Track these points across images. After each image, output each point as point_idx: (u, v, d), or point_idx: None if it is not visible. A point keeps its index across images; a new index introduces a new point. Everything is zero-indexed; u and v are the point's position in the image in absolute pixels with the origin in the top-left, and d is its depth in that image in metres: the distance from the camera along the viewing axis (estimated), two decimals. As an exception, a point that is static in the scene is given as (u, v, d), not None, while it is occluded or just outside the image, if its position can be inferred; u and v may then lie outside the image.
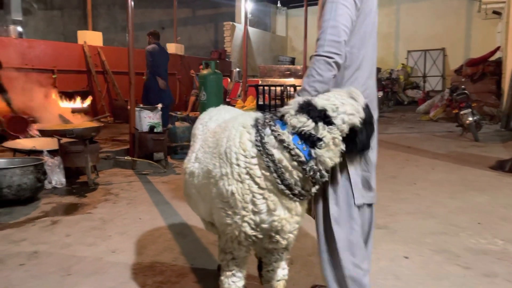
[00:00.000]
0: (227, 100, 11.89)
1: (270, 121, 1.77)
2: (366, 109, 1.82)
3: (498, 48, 12.78)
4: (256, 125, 1.79)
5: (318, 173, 1.72)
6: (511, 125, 9.46)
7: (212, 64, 7.54)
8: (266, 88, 9.67)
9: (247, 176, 1.73)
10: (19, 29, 9.85)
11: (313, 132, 1.69)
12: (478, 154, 6.95)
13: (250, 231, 1.77)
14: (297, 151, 1.68)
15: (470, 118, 8.44)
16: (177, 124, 7.04)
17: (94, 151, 5.27)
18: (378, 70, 15.88)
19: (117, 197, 4.62)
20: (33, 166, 4.33)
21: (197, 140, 2.16)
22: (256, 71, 16.14)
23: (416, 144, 7.77)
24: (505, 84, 10.39)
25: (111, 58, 10.03)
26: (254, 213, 1.75)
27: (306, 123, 1.69)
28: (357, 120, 1.74)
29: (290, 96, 9.85)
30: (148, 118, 6.62)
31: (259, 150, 1.72)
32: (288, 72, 14.95)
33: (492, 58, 12.67)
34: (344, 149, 1.75)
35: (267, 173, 1.71)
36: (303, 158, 1.69)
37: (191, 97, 11.28)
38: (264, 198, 1.73)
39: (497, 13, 14.80)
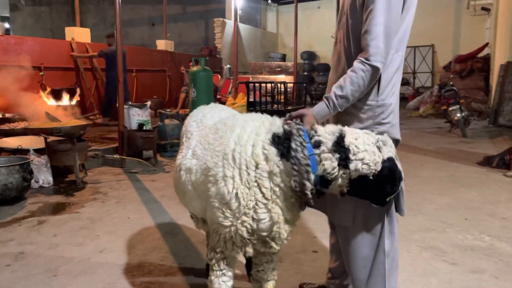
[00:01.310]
0: (218, 97, 11.85)
1: (308, 166, 1.67)
2: (390, 161, 1.70)
3: (486, 45, 12.89)
4: (282, 153, 1.70)
5: (321, 195, 1.80)
6: (499, 121, 9.56)
7: (202, 60, 7.51)
8: (256, 85, 9.65)
9: (255, 184, 1.71)
10: (6, 25, 9.71)
11: (332, 177, 1.70)
12: (466, 150, 7.01)
13: (246, 235, 1.77)
14: (314, 193, 1.71)
15: (459, 114, 8.51)
16: (167, 121, 6.99)
17: (82, 149, 5.21)
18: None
19: (106, 196, 4.58)
20: (19, 165, 4.27)
21: (192, 136, 2.11)
22: (247, 67, 16.12)
23: (405, 141, 7.76)
24: (493, 80, 10.49)
25: (100, 55, 9.90)
26: (254, 220, 1.74)
27: (334, 171, 1.68)
28: (370, 172, 1.68)
29: (280, 93, 9.84)
30: (137, 116, 6.57)
31: (296, 192, 1.69)
32: (279, 69, 14.95)
33: (481, 55, 12.78)
34: (345, 190, 1.75)
35: (277, 189, 1.71)
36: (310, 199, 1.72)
37: (181, 94, 11.21)
38: (266, 208, 1.73)
39: (485, 9, 14.92)
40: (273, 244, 1.83)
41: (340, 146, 1.68)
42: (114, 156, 5.97)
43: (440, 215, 3.87)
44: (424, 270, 2.80)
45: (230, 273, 1.94)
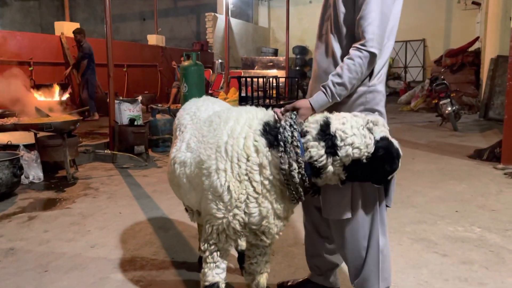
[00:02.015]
0: (210, 92, 11.81)
1: (297, 146, 1.68)
2: (384, 141, 1.69)
3: (477, 39, 12.97)
4: (269, 138, 1.72)
5: (316, 194, 1.88)
6: (489, 115, 9.64)
7: (193, 55, 7.48)
8: (248, 79, 9.63)
9: (246, 177, 1.72)
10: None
11: (321, 165, 1.69)
12: (457, 144, 7.06)
13: (239, 228, 1.78)
14: (307, 183, 1.73)
15: (449, 108, 8.57)
16: (158, 116, 6.95)
17: (73, 144, 5.17)
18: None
19: (97, 192, 4.55)
20: (8, 161, 4.22)
21: (186, 129, 2.10)
22: (239, 62, 16.06)
23: (397, 135, 7.76)
24: (484, 74, 10.57)
25: (89, 50, 9.82)
26: (245, 214, 1.76)
27: (321, 158, 1.67)
28: (362, 155, 1.66)
29: (272, 88, 9.83)
30: (128, 111, 6.53)
31: (284, 174, 1.70)
32: (271, 64, 14.91)
33: (471, 49, 12.86)
34: (343, 178, 1.72)
35: (267, 183, 1.72)
36: (307, 187, 1.76)
37: (172, 89, 11.16)
38: (257, 203, 1.74)
39: (476, 3, 15.01)
40: (263, 237, 1.85)
41: (325, 134, 1.68)
42: (105, 151, 5.93)
43: (431, 207, 3.90)
44: (415, 261, 2.82)
45: (223, 265, 1.94)
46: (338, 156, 1.66)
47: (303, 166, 1.69)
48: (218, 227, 1.82)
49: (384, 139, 1.69)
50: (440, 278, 2.59)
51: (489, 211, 3.78)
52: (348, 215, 1.96)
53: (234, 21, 17.11)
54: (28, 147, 4.96)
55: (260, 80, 9.67)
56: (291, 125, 1.72)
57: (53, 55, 9.62)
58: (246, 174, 1.72)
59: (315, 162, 1.69)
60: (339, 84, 1.80)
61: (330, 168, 1.69)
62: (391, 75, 17.95)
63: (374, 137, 1.67)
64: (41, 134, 5.02)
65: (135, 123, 6.36)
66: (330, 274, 2.33)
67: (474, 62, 12.19)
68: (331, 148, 1.66)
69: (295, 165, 1.68)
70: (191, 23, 17.45)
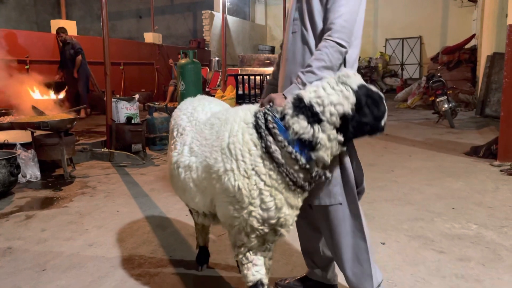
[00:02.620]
0: (207, 89, 11.79)
1: (274, 128, 1.73)
2: (362, 89, 1.74)
3: (473, 36, 13.00)
4: (256, 128, 1.77)
5: (323, 176, 1.79)
6: (486, 112, 9.67)
7: (190, 53, 7.45)
8: (245, 77, 9.61)
9: (253, 172, 1.74)
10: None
11: (311, 138, 1.70)
12: (454, 141, 7.09)
13: (256, 225, 1.79)
14: (303, 160, 1.72)
15: (446, 105, 8.58)
16: (155, 114, 6.94)
17: (70, 143, 5.16)
18: (357, 60, 15.88)
19: (95, 190, 4.54)
20: (5, 160, 4.21)
21: (185, 132, 2.09)
22: (236, 60, 16.03)
23: (394, 132, 7.86)
24: (480, 71, 10.60)
25: (86, 48, 9.76)
26: (262, 209, 1.76)
27: (306, 129, 1.70)
28: (347, 107, 1.69)
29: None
30: (125, 109, 6.52)
31: (268, 156, 1.73)
32: (268, 61, 14.88)
33: (468, 46, 12.88)
34: (341, 139, 1.72)
35: (272, 173, 1.73)
36: (307, 166, 1.73)
37: (169, 87, 11.13)
38: (271, 195, 1.75)
39: (472, 1, 15.03)
40: (282, 231, 1.85)
41: (300, 108, 1.72)
42: (103, 150, 5.92)
43: (428, 204, 3.91)
44: (412, 258, 2.83)
45: (260, 261, 1.93)
46: (324, 120, 1.69)
47: (286, 144, 1.71)
48: (239, 227, 1.83)
49: (361, 87, 1.74)
50: (437, 275, 2.61)
51: (486, 208, 3.80)
52: (339, 199, 2.00)
53: (231, 19, 17.07)
54: (25, 145, 4.95)
55: (257, 77, 9.66)
56: (265, 113, 1.79)
57: (50, 53, 9.58)
58: (253, 169, 1.74)
59: (303, 136, 1.70)
60: (307, 72, 1.86)
61: (322, 135, 1.70)
62: (388, 72, 17.98)
63: (351, 88, 1.72)
64: (38, 132, 5.01)
65: (132, 122, 6.35)
66: (327, 270, 2.34)
67: (471, 59, 12.21)
68: (313, 117, 1.70)
69: (273, 147, 1.72)
70: (188, 20, 17.40)
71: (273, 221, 1.80)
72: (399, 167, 5.38)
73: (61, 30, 9.29)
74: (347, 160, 1.99)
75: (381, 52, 18.27)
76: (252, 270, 1.91)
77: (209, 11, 16.01)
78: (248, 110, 1.87)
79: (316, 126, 1.69)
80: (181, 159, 2.02)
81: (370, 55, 18.05)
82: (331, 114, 1.69)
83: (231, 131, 1.81)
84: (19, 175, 4.55)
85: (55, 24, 10.26)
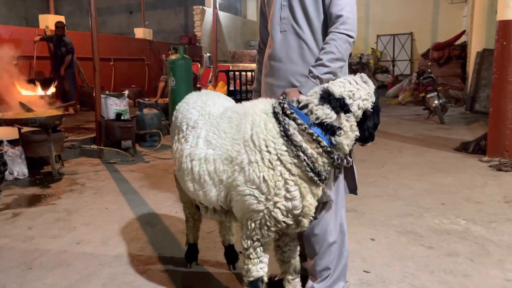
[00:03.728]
0: (198, 85, 11.73)
1: (292, 113, 1.79)
2: (376, 93, 1.85)
3: (463, 32, 13.06)
4: (275, 116, 1.81)
5: (345, 160, 1.82)
6: (475, 108, 9.73)
7: (181, 49, 7.40)
8: (237, 73, 9.58)
9: (278, 163, 1.76)
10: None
11: (334, 123, 1.75)
12: (444, 137, 7.13)
13: (281, 217, 1.79)
14: (325, 142, 1.75)
15: (436, 101, 8.63)
16: (146, 111, 6.89)
17: (58, 140, 5.10)
18: (349, 54, 15.91)
19: (83, 187, 4.50)
20: (-8, 157, 4.15)
21: (198, 125, 2.05)
22: (227, 56, 15.97)
23: (385, 128, 7.89)
24: (470, 67, 10.65)
25: (75, 43, 9.65)
26: (287, 199, 1.77)
27: (329, 115, 1.75)
28: (369, 105, 1.80)
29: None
30: (114, 105, 6.45)
31: (286, 141, 1.75)
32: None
33: (458, 42, 12.94)
34: (359, 134, 1.81)
35: (297, 161, 1.75)
36: (329, 148, 1.76)
37: (160, 83, 11.04)
38: (296, 184, 1.77)
39: (462, -3, 15.09)
40: (305, 221, 1.86)
41: (327, 99, 1.78)
42: (92, 146, 5.87)
43: (417, 200, 3.93)
44: (401, 254, 2.84)
45: (266, 260, 1.95)
46: (351, 111, 1.77)
47: (307, 126, 1.75)
48: (260, 221, 1.82)
49: (376, 90, 1.86)
50: (426, 270, 2.62)
51: (474, 203, 3.83)
52: (333, 196, 2.07)
53: (222, 15, 16.98)
54: (12, 142, 4.88)
55: (249, 74, 9.63)
56: (280, 103, 1.84)
57: (38, 49, 9.44)
58: (278, 159, 1.75)
59: (325, 120, 1.75)
60: (319, 65, 1.92)
61: (346, 123, 1.76)
62: (379, 69, 18.03)
63: (373, 88, 1.84)
64: (25, 129, 4.94)
65: (122, 118, 6.29)
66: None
67: (461, 56, 12.27)
68: (341, 107, 1.76)
69: (291, 130, 1.76)
70: (179, 16, 17.27)
71: (297, 211, 1.81)
72: (390, 163, 5.39)
73: (60, 24, 9.18)
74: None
75: (372, 49, 18.31)
76: (257, 266, 1.93)
77: (201, 7, 15.90)
78: (268, 102, 1.91)
79: (343, 115, 1.76)
80: (195, 151, 1.98)
81: (361, 51, 18.07)
82: (358, 108, 1.77)
83: (253, 122, 1.83)
84: (6, 172, 4.48)
85: (44, 19, 10.11)
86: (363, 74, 1.87)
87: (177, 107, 2.31)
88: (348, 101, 1.76)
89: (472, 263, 2.70)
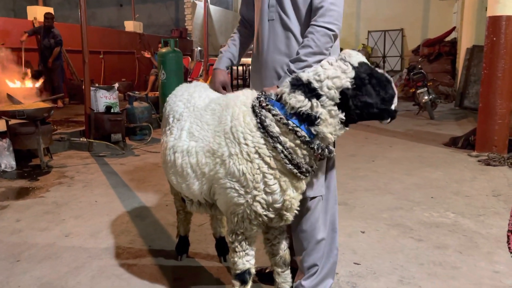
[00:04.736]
0: (189, 79, 11.66)
1: (267, 105, 1.74)
2: (364, 66, 1.71)
3: (453, 29, 13.15)
4: (253, 108, 1.77)
5: (326, 150, 1.74)
6: (465, 104, 9.82)
7: (171, 42, 7.35)
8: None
9: (256, 156, 1.72)
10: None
11: (310, 111, 1.68)
12: (433, 132, 7.18)
13: (261, 210, 1.77)
14: (303, 132, 1.69)
15: (426, 97, 8.68)
16: (136, 104, 6.83)
17: (47, 132, 5.04)
18: (340, 50, 15.90)
19: (72, 180, 4.45)
20: (-22, 149, 4.08)
21: (182, 117, 2.04)
22: (218, 50, 15.87)
23: (375, 123, 7.87)
24: (460, 63, 10.74)
25: (64, 36, 9.52)
26: (267, 193, 1.74)
27: (303, 103, 1.68)
28: (345, 81, 1.67)
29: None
30: (104, 98, 6.39)
31: (263, 133, 1.71)
32: (251, 52, 14.81)
33: (448, 39, 13.03)
34: (343, 118, 1.70)
35: (275, 154, 1.71)
36: (308, 138, 1.69)
37: (150, 76, 10.97)
38: (275, 178, 1.73)
39: (453, -6, 15.18)
40: (288, 215, 1.83)
41: (297, 85, 1.71)
42: (81, 139, 5.81)
43: (407, 194, 3.95)
44: (391, 247, 2.86)
45: (252, 252, 1.93)
46: (322, 94, 1.68)
47: (282, 117, 1.70)
48: (242, 214, 1.80)
49: (363, 64, 1.72)
50: (415, 262, 2.63)
51: (463, 197, 3.86)
52: (323, 191, 2.04)
53: (213, 8, 16.87)
54: (0, 135, 4.80)
55: (240, 68, 9.60)
56: (257, 97, 1.81)
57: (25, 42, 9.30)
58: (256, 152, 1.72)
59: (300, 109, 1.69)
60: (296, 60, 1.85)
61: (322, 110, 1.68)
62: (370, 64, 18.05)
63: (351, 63, 1.70)
64: (13, 121, 4.87)
65: (112, 111, 6.23)
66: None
67: (451, 52, 12.36)
68: (311, 93, 1.68)
69: (268, 121, 1.72)
70: (170, 9, 17.14)
71: (278, 205, 1.78)
72: (380, 157, 5.42)
73: (49, 16, 9.04)
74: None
75: (363, 44, 18.34)
76: (243, 259, 1.91)
77: (192, 0, 15.79)
78: (250, 94, 1.88)
79: (315, 101, 1.68)
80: (178, 144, 1.97)
81: (352, 47, 18.08)
82: (328, 88, 1.67)
83: (233, 115, 1.80)
84: (-7, 165, 4.42)
85: (32, 10, 9.96)
86: (345, 52, 1.75)
87: (167, 99, 2.29)
88: (316, 84, 1.68)
89: (461, 255, 2.73)
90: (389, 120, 1.78)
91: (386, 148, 6.00)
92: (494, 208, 3.57)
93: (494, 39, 5.24)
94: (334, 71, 1.68)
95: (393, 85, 1.76)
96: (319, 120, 1.68)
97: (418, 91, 8.85)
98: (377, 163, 5.10)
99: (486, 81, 5.39)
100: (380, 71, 1.76)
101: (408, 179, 4.43)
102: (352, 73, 1.68)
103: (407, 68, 10.79)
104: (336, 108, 1.69)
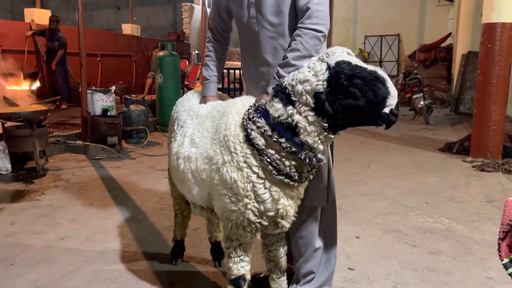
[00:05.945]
0: (186, 83, 11.67)
1: (253, 117, 1.73)
2: (342, 65, 1.55)
3: (449, 35, 13.23)
4: (241, 120, 1.77)
5: (314, 159, 1.68)
6: (460, 109, 9.87)
7: (169, 45, 7.37)
8: (225, 71, 9.56)
9: (245, 165, 1.72)
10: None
11: (288, 119, 1.64)
12: (429, 137, 7.22)
13: (253, 218, 1.77)
14: (288, 143, 1.66)
15: (422, 102, 8.73)
16: (132, 107, 6.83)
17: (43, 135, 5.03)
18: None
19: (68, 183, 4.44)
20: (-26, 152, 4.07)
21: (186, 124, 2.07)
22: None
23: (371, 128, 7.91)
24: (455, 69, 10.81)
25: (61, 38, 9.53)
26: (258, 202, 1.74)
27: (280, 111, 1.65)
28: (315, 85, 1.57)
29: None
30: (101, 101, 6.39)
31: (250, 145, 1.71)
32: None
33: (444, 44, 13.11)
34: (325, 124, 1.61)
35: (263, 165, 1.71)
36: (295, 148, 1.66)
37: (147, 79, 10.96)
38: (265, 188, 1.73)
39: (449, 0, 15.29)
40: (284, 222, 1.83)
41: (276, 92, 1.70)
42: (77, 142, 5.79)
43: (402, 199, 3.97)
44: (386, 252, 2.87)
45: (247, 258, 1.94)
46: (295, 99, 1.62)
47: (266, 128, 1.68)
48: (236, 221, 1.81)
49: (341, 63, 1.56)
50: (409, 268, 2.65)
51: (458, 202, 3.89)
52: (324, 202, 2.06)
53: (211, 12, 16.90)
54: (-5, 137, 4.80)
55: (237, 71, 9.62)
56: (248, 109, 1.79)
57: (23, 42, 9.30)
58: (245, 162, 1.72)
59: (280, 119, 1.65)
60: (284, 65, 1.84)
61: (298, 117, 1.62)
62: (367, 69, 18.11)
63: (328, 64, 1.58)
64: (9, 124, 4.86)
65: (108, 114, 6.23)
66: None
67: (446, 58, 12.44)
68: (286, 99, 1.65)
69: (253, 134, 1.70)
70: (167, 13, 17.15)
71: (271, 213, 1.78)
72: (375, 162, 5.44)
73: (54, 18, 9.02)
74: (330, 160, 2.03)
75: (360, 49, 18.41)
76: (238, 265, 1.92)
77: (189, 4, 15.82)
78: (246, 102, 1.87)
79: (290, 108, 1.63)
80: (181, 150, 2.01)
81: (349, 51, 18.15)
82: (300, 94, 1.61)
83: (226, 123, 1.81)
84: (-11, 167, 4.41)
85: (29, 13, 9.96)
86: (329, 51, 1.62)
87: (174, 107, 2.33)
88: (289, 89, 1.63)
89: (455, 261, 2.75)
90: (383, 125, 1.63)
91: (381, 153, 6.03)
92: (488, 214, 3.59)
93: (489, 45, 5.28)
94: (305, 75, 1.61)
95: (388, 84, 1.55)
96: (298, 128, 1.63)
97: (414, 96, 8.90)
98: (372, 168, 5.13)
99: (481, 87, 5.43)
100: (369, 68, 1.57)
101: (403, 184, 4.45)
102: (325, 75, 1.57)
103: (403, 73, 10.86)
104: (313, 114, 1.60)
